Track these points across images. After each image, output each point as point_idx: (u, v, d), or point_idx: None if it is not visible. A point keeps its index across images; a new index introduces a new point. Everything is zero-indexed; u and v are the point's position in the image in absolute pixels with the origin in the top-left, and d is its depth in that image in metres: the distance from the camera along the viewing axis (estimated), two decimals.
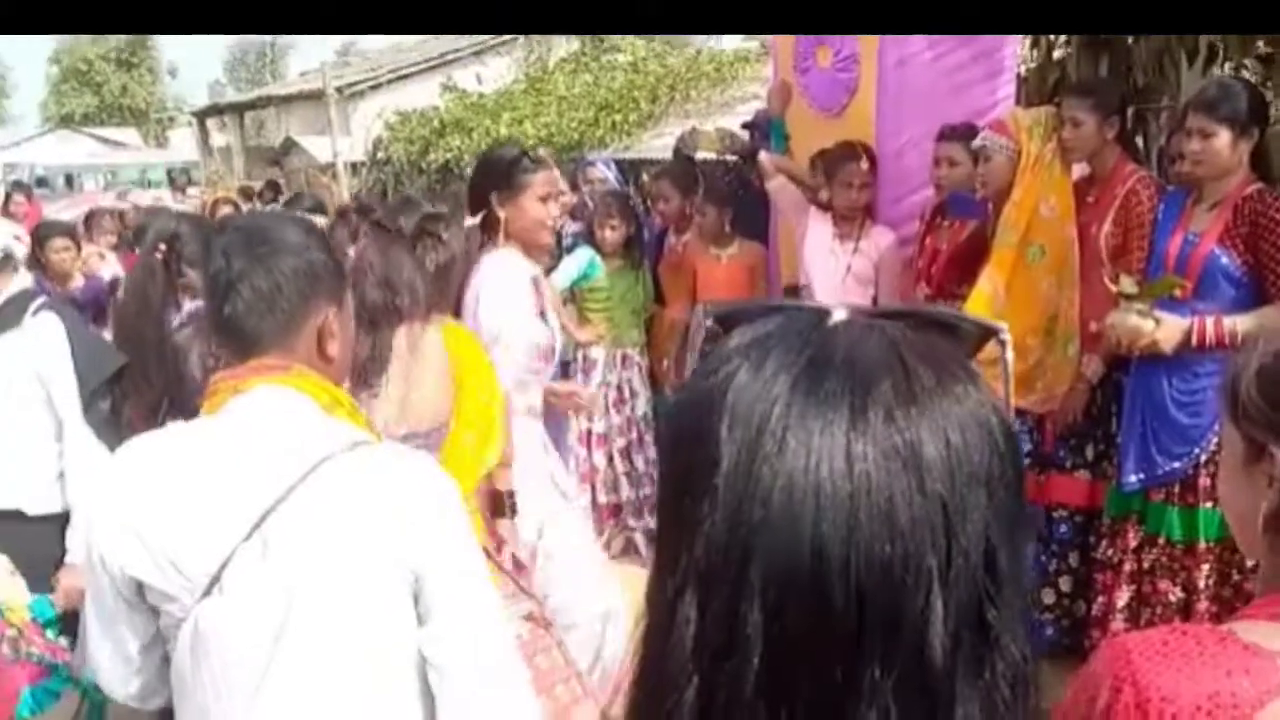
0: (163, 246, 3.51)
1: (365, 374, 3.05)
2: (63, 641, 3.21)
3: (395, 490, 1.77)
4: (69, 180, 30.96)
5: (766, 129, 6.10)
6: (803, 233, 5.33)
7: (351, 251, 3.31)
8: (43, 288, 4.54)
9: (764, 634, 0.72)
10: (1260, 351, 1.42)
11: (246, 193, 13.25)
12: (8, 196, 10.97)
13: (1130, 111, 5.03)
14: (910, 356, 0.76)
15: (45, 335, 3.55)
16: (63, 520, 3.57)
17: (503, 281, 3.70)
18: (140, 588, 1.79)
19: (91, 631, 1.90)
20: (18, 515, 3.54)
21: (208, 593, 1.73)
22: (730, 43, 16.53)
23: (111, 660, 1.90)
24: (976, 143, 4.62)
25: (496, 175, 3.79)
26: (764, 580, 0.72)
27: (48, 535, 3.54)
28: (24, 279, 3.71)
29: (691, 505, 0.75)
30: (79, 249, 7.11)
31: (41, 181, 27.70)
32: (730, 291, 5.65)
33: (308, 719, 1.75)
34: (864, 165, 5.14)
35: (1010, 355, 0.91)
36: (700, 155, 7.35)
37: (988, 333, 0.90)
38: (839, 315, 0.80)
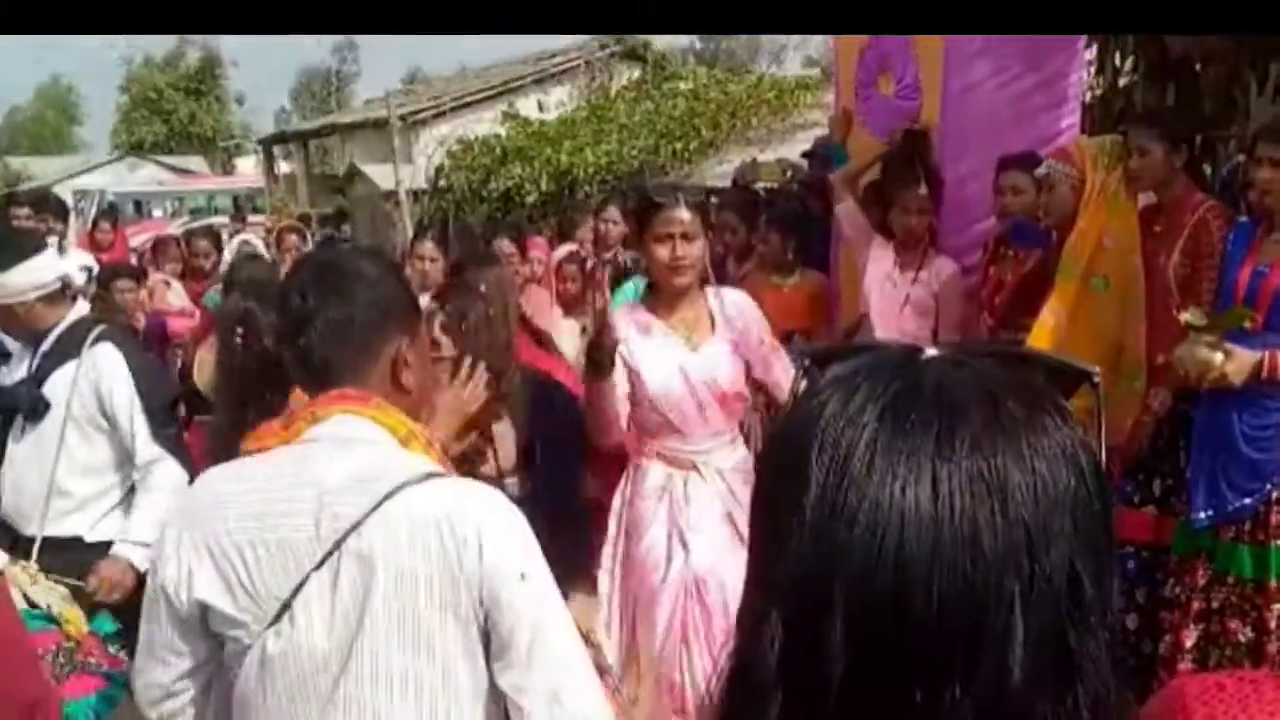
0: (240, 329, 3.53)
1: None
2: (122, 654, 3.25)
3: (464, 520, 1.77)
4: (138, 206, 31.44)
5: (826, 157, 6.09)
6: (865, 260, 5.29)
7: None
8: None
9: (846, 652, 0.73)
10: None
11: (306, 219, 13.43)
12: (95, 223, 11.17)
13: (1198, 140, 4.96)
14: (1000, 390, 0.78)
15: (104, 364, 3.58)
16: None
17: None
18: (205, 614, 1.80)
19: (140, 650, 1.92)
20: (77, 542, 3.58)
21: (278, 618, 1.75)
22: (791, 70, 16.56)
23: (148, 682, 1.92)
24: (1040, 171, 4.57)
25: (637, 218, 3.85)
26: (847, 599, 0.74)
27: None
28: (82, 308, 3.75)
29: (780, 528, 0.78)
30: (145, 276, 7.22)
31: (111, 208, 28.18)
32: (792, 320, 5.60)
33: None
34: (922, 190, 5.10)
35: (1102, 397, 0.91)
36: (760, 185, 7.35)
37: (1080, 375, 0.91)
38: (930, 352, 0.83)
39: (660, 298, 3.81)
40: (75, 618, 3.28)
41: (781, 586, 0.77)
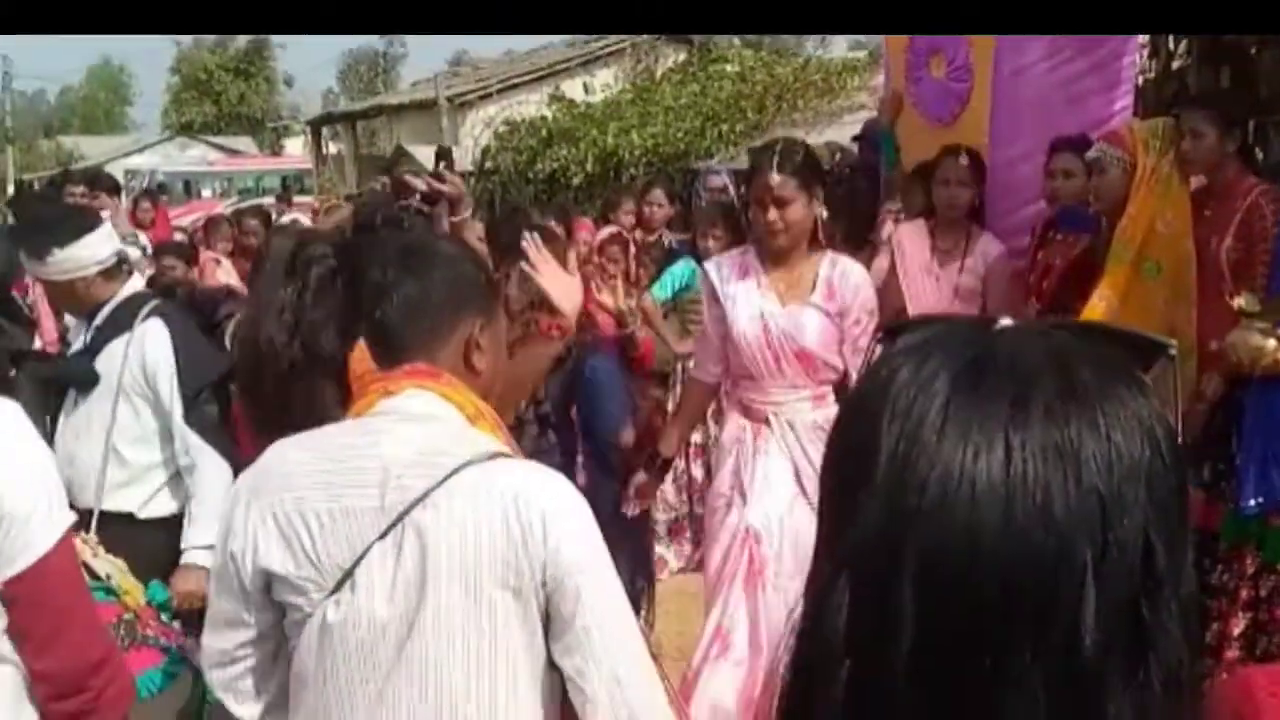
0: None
1: None
2: (175, 625, 3.29)
3: (529, 501, 1.78)
4: (187, 186, 31.75)
5: (876, 140, 6.06)
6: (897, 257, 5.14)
7: None
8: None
9: (915, 620, 0.73)
10: None
11: (354, 199, 13.49)
12: (135, 202, 11.28)
13: (1251, 124, 4.90)
14: (1074, 360, 0.77)
15: (151, 339, 3.61)
16: (173, 523, 3.64)
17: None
18: (269, 584, 1.82)
19: (208, 617, 1.95)
20: (128, 518, 3.62)
21: (339, 587, 1.77)
22: (837, 52, 16.47)
23: (211, 647, 1.94)
24: (1091, 154, 4.53)
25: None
26: (917, 567, 0.73)
27: (158, 538, 3.61)
28: (136, 283, 3.79)
29: (849, 495, 0.77)
30: (196, 254, 7.31)
31: (161, 187, 28.45)
32: None
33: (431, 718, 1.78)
34: (963, 161, 5.00)
35: (1177, 370, 0.90)
36: None
37: (1157, 348, 0.89)
38: (1004, 323, 0.82)
39: (768, 253, 3.87)
40: (134, 589, 3.33)
41: (850, 554, 0.77)
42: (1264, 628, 3.99)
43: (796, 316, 3.80)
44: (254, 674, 1.93)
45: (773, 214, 3.71)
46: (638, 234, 7.31)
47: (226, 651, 1.92)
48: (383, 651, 1.77)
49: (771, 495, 3.80)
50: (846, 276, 3.84)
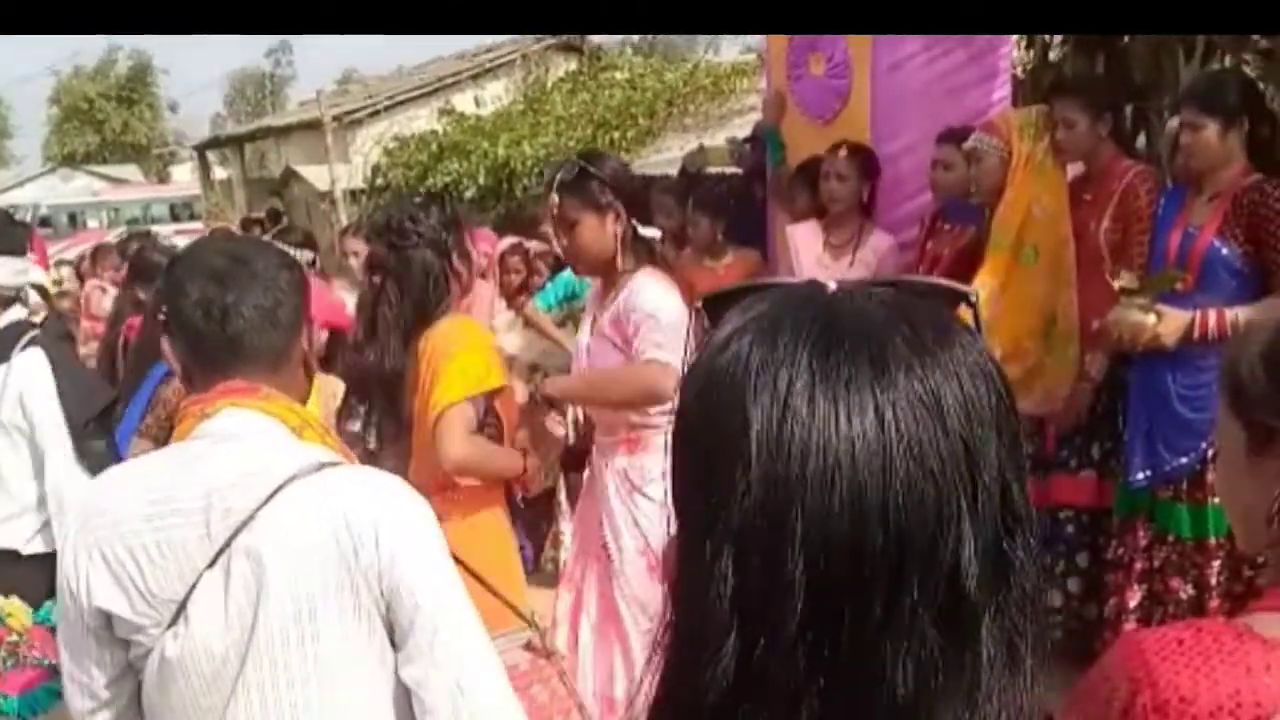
0: (165, 307, 3.48)
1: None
2: None
3: (359, 513, 1.73)
4: (72, 219, 31.08)
5: (765, 141, 6.11)
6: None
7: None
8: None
9: (805, 580, 0.75)
10: (1259, 335, 1.40)
11: (247, 224, 13.30)
12: None
13: (1129, 110, 5.01)
14: (911, 316, 0.81)
15: (29, 371, 3.51)
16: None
17: None
18: (109, 620, 1.76)
19: (63, 664, 1.87)
20: (12, 555, 3.50)
21: (174, 621, 1.71)
22: (727, 55, 16.58)
23: (81, 695, 1.86)
24: (968, 144, 4.61)
25: None
26: (804, 531, 0.75)
27: (43, 575, 3.49)
28: (18, 312, 3.69)
29: (722, 475, 0.78)
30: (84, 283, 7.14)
31: (45, 221, 27.80)
32: None
33: None
34: (842, 154, 5.07)
35: (981, 316, 0.93)
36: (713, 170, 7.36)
37: (959, 297, 0.93)
38: (832, 287, 0.85)
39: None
40: (18, 611, 3.23)
41: (732, 531, 0.77)
42: (1159, 599, 4.07)
43: (590, 353, 3.47)
44: (128, 711, 1.85)
45: (563, 240, 3.35)
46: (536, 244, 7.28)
47: (94, 693, 1.84)
48: (222, 682, 1.72)
49: (581, 539, 3.75)
50: (632, 297, 3.31)
